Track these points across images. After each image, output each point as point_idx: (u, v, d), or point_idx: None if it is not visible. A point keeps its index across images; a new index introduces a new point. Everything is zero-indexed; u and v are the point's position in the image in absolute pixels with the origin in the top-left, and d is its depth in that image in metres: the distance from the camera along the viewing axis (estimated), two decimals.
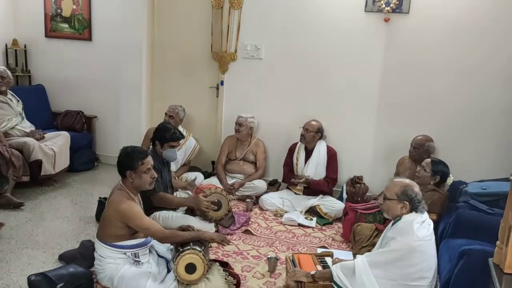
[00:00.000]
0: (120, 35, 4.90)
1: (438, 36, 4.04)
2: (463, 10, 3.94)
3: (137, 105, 5.01)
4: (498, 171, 3.73)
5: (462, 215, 2.76)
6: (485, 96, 4.00)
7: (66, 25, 5.18)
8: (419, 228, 2.44)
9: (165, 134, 3.56)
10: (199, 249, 2.58)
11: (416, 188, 2.54)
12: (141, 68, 4.92)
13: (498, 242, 2.03)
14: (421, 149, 3.89)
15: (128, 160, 2.69)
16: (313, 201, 4.17)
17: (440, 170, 3.48)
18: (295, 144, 4.40)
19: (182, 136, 3.74)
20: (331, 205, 4.12)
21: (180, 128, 4.48)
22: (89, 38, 5.12)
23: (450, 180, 3.64)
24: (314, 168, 4.25)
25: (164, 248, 2.91)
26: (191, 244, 2.62)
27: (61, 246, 3.21)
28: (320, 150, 4.27)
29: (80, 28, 5.14)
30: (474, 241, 2.44)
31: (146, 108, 5.08)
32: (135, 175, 2.69)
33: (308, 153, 4.30)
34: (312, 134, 4.24)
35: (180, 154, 4.53)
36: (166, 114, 4.58)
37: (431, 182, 3.49)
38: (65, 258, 2.97)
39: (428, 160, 3.56)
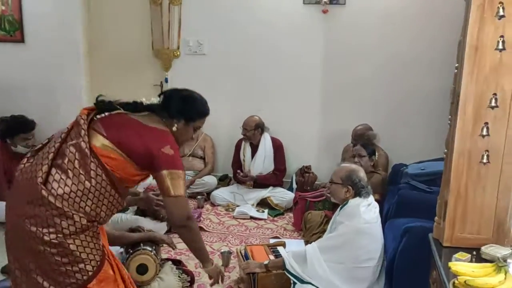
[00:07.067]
0: (55, 35, 4.69)
1: (374, 26, 4.19)
2: (393, 0, 4.12)
3: (78, 107, 4.78)
4: (436, 151, 3.92)
5: (404, 196, 2.89)
6: (420, 82, 4.20)
7: None
8: (365, 211, 2.53)
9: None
10: (149, 249, 2.54)
11: (361, 173, 2.63)
12: (80, 68, 4.74)
13: (436, 218, 2.15)
14: (362, 139, 4.01)
15: None
16: (263, 193, 4.21)
17: (372, 150, 3.66)
18: (241, 140, 4.42)
19: None
20: (282, 196, 4.19)
21: None
22: (22, 40, 4.85)
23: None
24: (261, 162, 4.29)
25: (114, 252, 2.84)
26: (142, 244, 2.58)
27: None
28: (266, 144, 4.31)
29: (11, 29, 4.86)
30: (416, 219, 2.55)
31: None
32: None
33: (254, 148, 4.34)
34: (252, 132, 4.27)
35: None
36: None
37: (371, 164, 3.66)
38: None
39: (358, 146, 3.71)
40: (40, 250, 1.69)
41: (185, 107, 2.03)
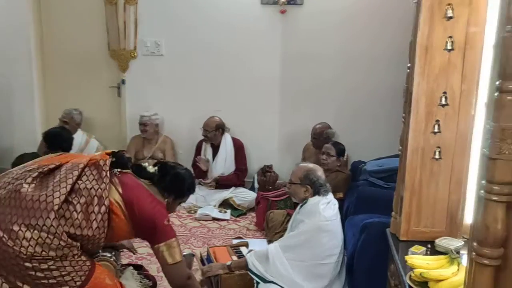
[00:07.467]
0: (5, 35, 4.51)
1: (331, 26, 4.25)
2: (349, 1, 4.19)
3: (30, 111, 4.66)
4: (393, 148, 4.04)
5: (362, 193, 2.96)
6: (376, 81, 4.29)
7: None
8: (325, 208, 2.57)
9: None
10: (108, 255, 2.47)
11: (319, 172, 2.67)
12: (32, 70, 4.58)
13: (393, 213, 2.21)
14: (321, 138, 4.09)
15: None
16: (225, 194, 4.20)
17: (342, 149, 3.72)
18: (202, 141, 4.40)
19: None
20: (244, 196, 4.19)
21: (79, 132, 4.30)
22: None
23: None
24: (223, 162, 4.29)
25: None
26: (100, 251, 2.51)
27: None
28: (227, 144, 4.31)
29: None
30: (374, 215, 2.62)
31: (41, 114, 4.73)
32: None
33: (215, 149, 4.33)
34: (213, 133, 4.26)
35: None
36: (60, 120, 4.32)
37: (338, 164, 3.71)
38: None
39: (329, 145, 3.76)
40: (28, 267, 1.71)
41: (177, 187, 2.13)
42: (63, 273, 1.75)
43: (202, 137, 4.34)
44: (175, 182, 2.12)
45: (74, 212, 1.76)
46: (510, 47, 1.02)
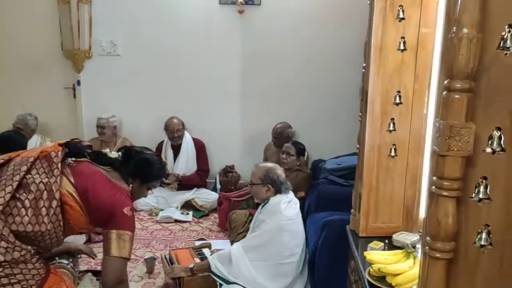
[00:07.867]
0: None
1: (288, 26, 4.29)
2: (306, 2, 4.24)
3: None
4: (352, 146, 4.12)
5: (323, 191, 3.01)
6: (335, 80, 4.35)
7: None
8: (286, 208, 2.59)
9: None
10: (66, 262, 2.39)
11: (279, 171, 2.69)
12: None
13: (352, 210, 2.26)
14: (281, 137, 4.13)
15: None
16: (187, 195, 4.17)
17: (302, 149, 3.76)
18: (161, 143, 4.36)
19: None
20: (206, 197, 4.17)
21: (35, 137, 4.16)
22: None
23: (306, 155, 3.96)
24: (184, 163, 4.26)
25: None
26: (57, 258, 2.43)
27: None
28: (188, 145, 4.29)
29: None
30: (335, 213, 2.67)
31: None
32: None
33: (176, 150, 4.29)
34: (182, 132, 4.24)
35: None
36: (13, 125, 4.14)
37: (298, 164, 3.74)
38: None
39: (289, 144, 3.79)
40: None
41: (142, 171, 2.04)
42: (12, 281, 1.68)
43: (161, 140, 4.31)
44: (140, 166, 2.02)
45: (23, 209, 1.68)
46: (456, 47, 1.05)
